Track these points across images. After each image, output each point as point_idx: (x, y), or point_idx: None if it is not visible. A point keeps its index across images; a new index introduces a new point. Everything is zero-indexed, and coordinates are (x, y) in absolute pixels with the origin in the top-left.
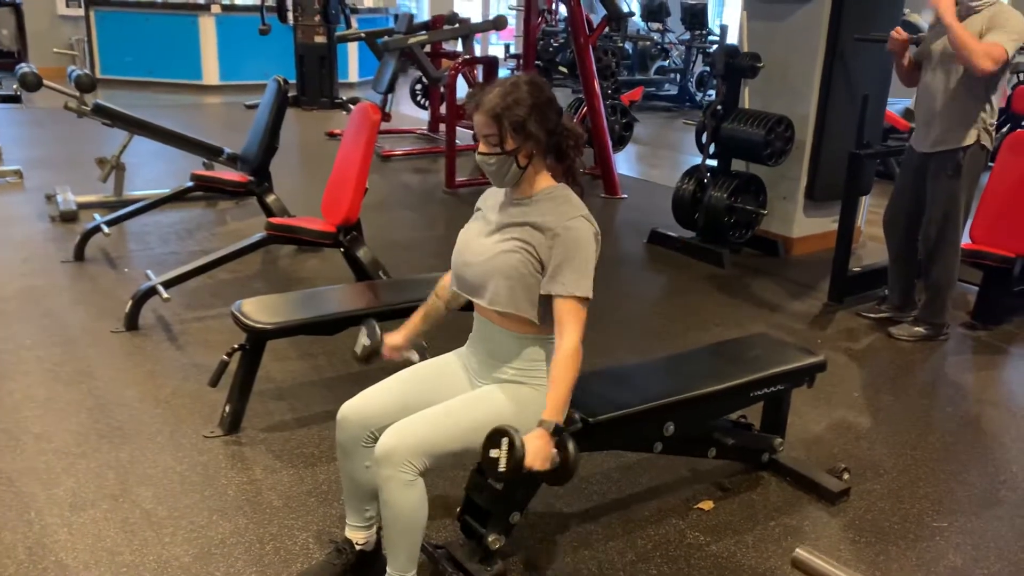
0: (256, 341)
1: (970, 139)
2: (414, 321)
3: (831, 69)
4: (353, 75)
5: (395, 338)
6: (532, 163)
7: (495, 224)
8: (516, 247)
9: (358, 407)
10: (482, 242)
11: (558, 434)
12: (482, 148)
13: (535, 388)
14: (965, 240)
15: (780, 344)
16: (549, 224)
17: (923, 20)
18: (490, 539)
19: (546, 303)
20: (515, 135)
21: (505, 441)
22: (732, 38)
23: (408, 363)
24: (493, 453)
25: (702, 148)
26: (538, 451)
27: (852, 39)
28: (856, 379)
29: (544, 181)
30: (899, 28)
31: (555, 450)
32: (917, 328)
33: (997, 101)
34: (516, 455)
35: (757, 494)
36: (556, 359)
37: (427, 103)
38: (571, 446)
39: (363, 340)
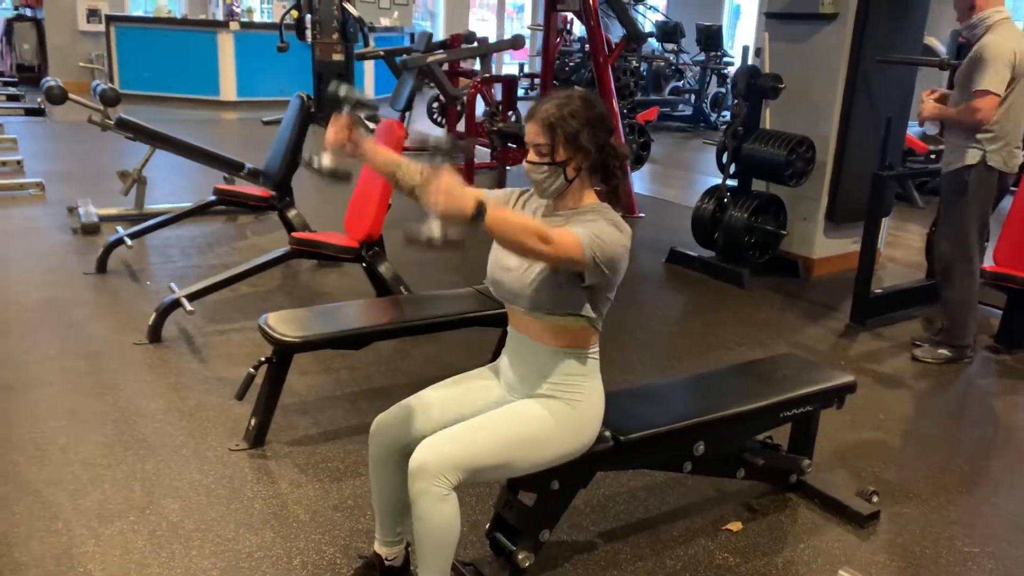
0: (283, 354)
1: (973, 159)
2: (389, 153)
3: (852, 90)
4: (369, 93)
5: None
6: (579, 177)
7: None
8: None
9: (391, 420)
10: None
11: (479, 214)
12: (531, 157)
13: (570, 403)
14: (988, 263)
15: (809, 364)
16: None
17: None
18: (520, 556)
19: (590, 306)
20: (567, 146)
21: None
22: (750, 58)
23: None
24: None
25: (722, 168)
26: (452, 182)
27: (874, 61)
28: (881, 401)
29: (588, 198)
30: (926, 99)
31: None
32: (940, 350)
33: (1020, 122)
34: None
35: (785, 516)
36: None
37: (444, 121)
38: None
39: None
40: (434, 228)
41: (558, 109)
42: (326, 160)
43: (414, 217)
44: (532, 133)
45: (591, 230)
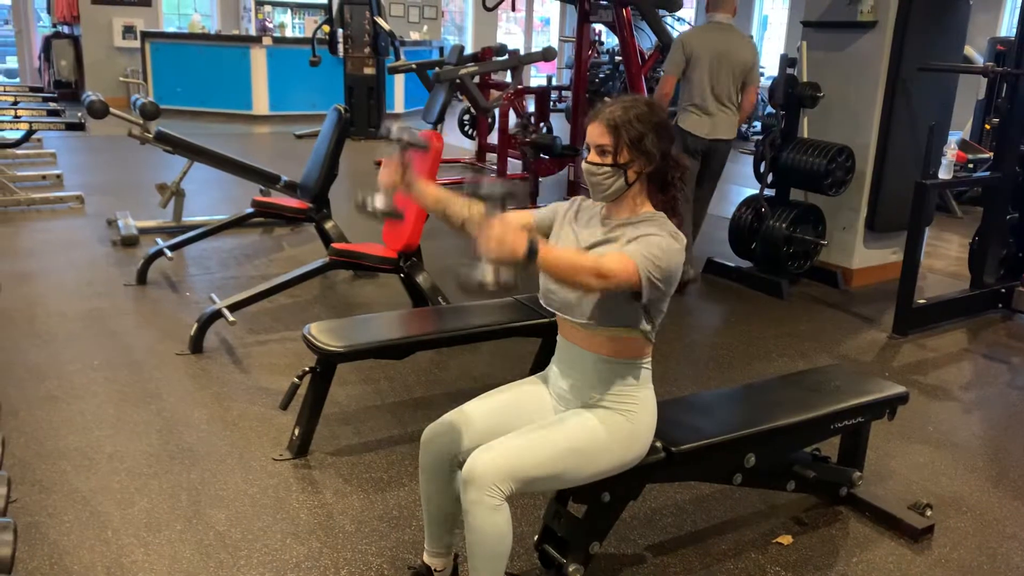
0: (327, 364)
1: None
2: (439, 191)
3: (892, 98)
4: (399, 106)
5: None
6: (638, 182)
7: (589, 242)
8: None
9: (443, 430)
10: None
11: (531, 256)
12: (592, 158)
13: (623, 414)
14: None
15: (860, 375)
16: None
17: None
18: (570, 569)
19: (645, 319)
20: (630, 149)
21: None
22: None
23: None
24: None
25: (760, 177)
26: (503, 227)
27: (915, 69)
28: (928, 413)
29: (644, 207)
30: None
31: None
32: None
33: (696, 88)
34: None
35: (836, 529)
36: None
37: (475, 133)
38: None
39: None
40: (487, 272)
41: (624, 112)
42: (379, 202)
43: (465, 261)
44: (596, 134)
45: (645, 248)
